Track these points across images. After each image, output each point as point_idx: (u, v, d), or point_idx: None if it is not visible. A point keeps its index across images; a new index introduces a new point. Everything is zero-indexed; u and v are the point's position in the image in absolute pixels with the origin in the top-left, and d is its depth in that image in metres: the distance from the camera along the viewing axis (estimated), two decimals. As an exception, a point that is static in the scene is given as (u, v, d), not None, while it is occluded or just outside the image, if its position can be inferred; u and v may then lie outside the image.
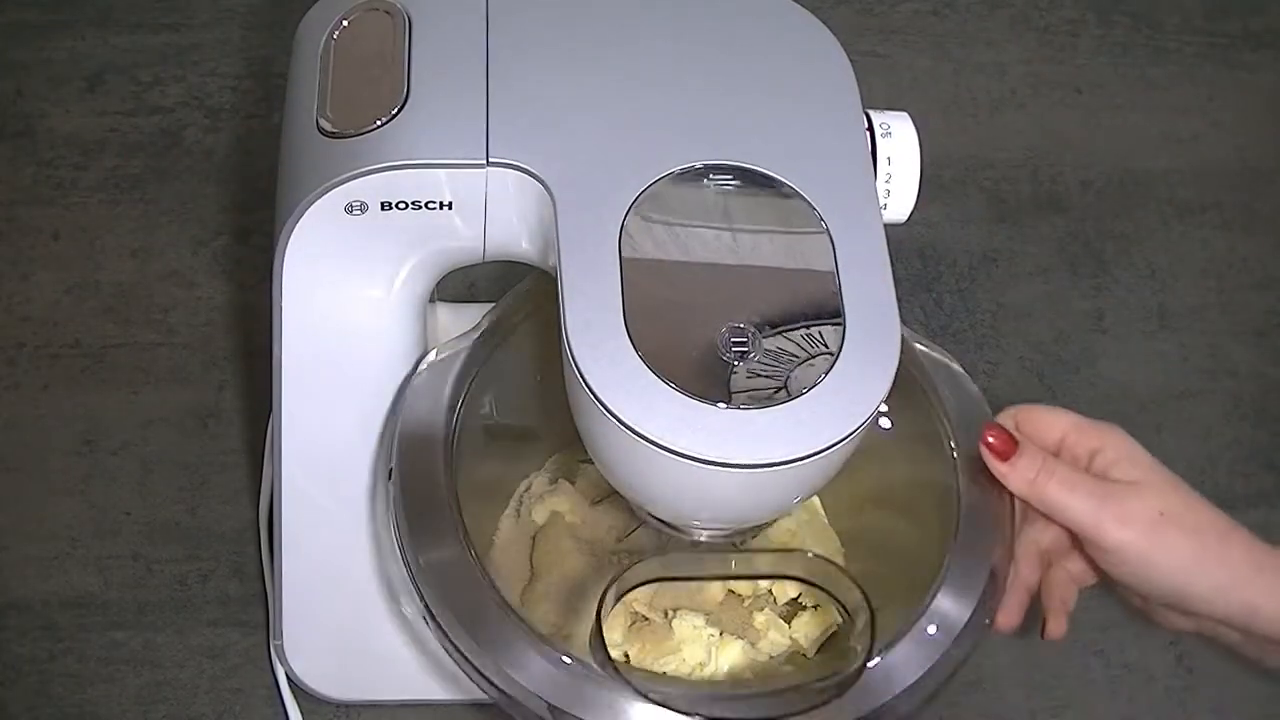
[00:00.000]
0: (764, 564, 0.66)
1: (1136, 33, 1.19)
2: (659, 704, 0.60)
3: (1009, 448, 0.65)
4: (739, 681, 0.70)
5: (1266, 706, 0.88)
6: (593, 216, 0.59)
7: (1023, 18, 1.19)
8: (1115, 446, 0.66)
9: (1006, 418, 0.68)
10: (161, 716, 0.83)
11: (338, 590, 0.77)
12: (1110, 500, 0.63)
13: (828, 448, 0.55)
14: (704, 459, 0.55)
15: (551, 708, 0.61)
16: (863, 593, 0.61)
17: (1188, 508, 0.64)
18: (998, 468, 0.65)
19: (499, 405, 0.74)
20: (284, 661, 0.81)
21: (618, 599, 0.62)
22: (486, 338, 0.71)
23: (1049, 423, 0.67)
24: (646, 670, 0.69)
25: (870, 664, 0.61)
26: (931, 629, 0.64)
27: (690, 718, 0.60)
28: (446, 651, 0.64)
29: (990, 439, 0.65)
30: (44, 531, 0.89)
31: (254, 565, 0.88)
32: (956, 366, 0.72)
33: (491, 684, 0.62)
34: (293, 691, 0.83)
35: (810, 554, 0.64)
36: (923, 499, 0.71)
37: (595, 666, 0.60)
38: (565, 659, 0.62)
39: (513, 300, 0.72)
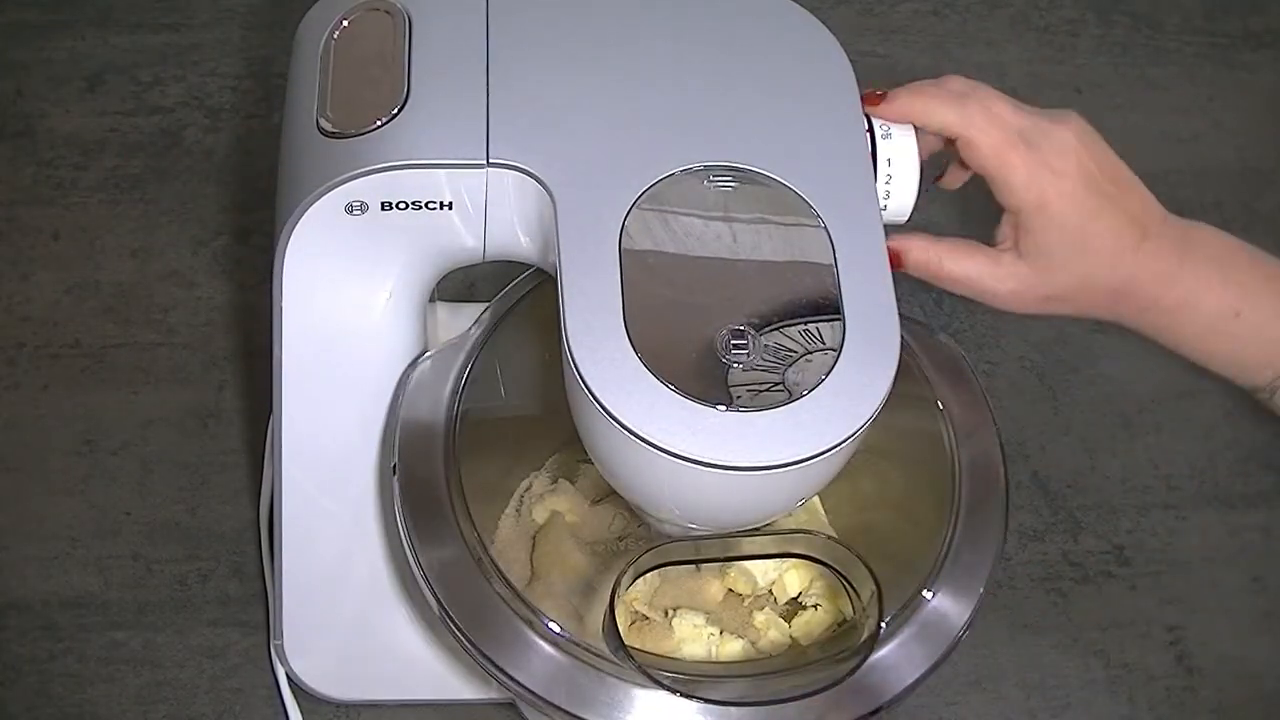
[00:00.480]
0: (773, 545, 0.66)
1: (1136, 33, 1.19)
2: (676, 691, 0.60)
3: (893, 257, 0.66)
4: (753, 661, 0.70)
5: (1266, 706, 0.88)
6: (593, 217, 0.59)
7: (1023, 18, 1.19)
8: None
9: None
10: (161, 716, 0.83)
11: (338, 590, 0.77)
12: (999, 266, 0.67)
13: (828, 450, 0.55)
14: (704, 462, 0.55)
15: (565, 697, 0.62)
16: (869, 569, 0.61)
17: (1078, 277, 0.66)
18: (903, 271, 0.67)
19: (498, 405, 0.74)
20: (284, 661, 0.81)
21: (633, 582, 0.62)
22: (485, 336, 0.71)
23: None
24: (660, 656, 0.69)
25: (878, 650, 0.61)
26: (928, 626, 0.64)
27: (713, 705, 0.60)
28: (461, 646, 0.64)
29: None
30: (44, 531, 0.89)
31: (254, 565, 0.88)
32: (956, 353, 0.72)
33: (505, 675, 0.62)
34: (293, 691, 0.83)
35: (818, 535, 0.65)
36: (921, 498, 0.71)
37: (608, 653, 0.61)
38: (577, 646, 0.62)
39: (511, 299, 0.72)
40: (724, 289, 0.58)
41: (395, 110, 0.62)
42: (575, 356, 0.56)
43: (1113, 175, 0.66)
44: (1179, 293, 0.67)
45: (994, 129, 0.65)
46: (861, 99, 0.66)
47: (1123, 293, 0.67)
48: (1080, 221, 0.65)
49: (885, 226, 0.62)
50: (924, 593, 0.65)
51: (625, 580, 0.61)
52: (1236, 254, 0.69)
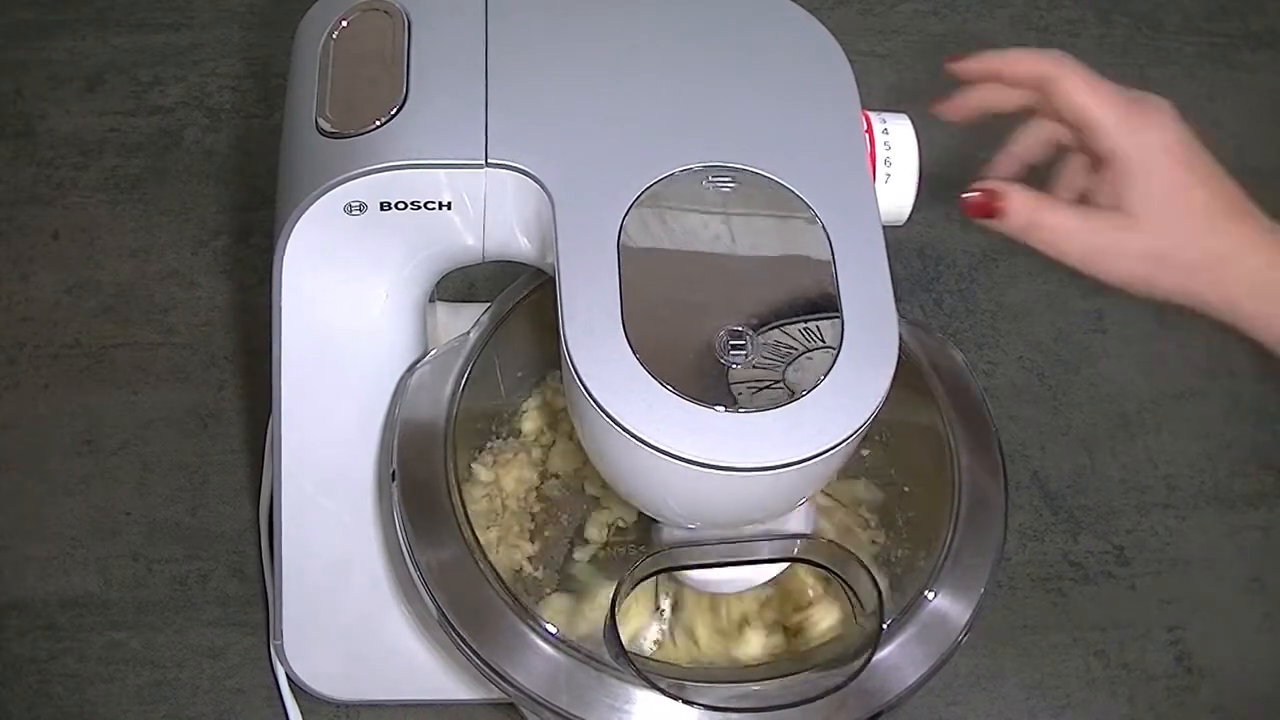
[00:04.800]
0: (773, 550, 0.66)
1: (1136, 33, 1.19)
2: (677, 697, 0.60)
3: (990, 200, 0.65)
4: (753, 668, 0.70)
5: (1266, 706, 0.88)
6: (592, 218, 0.59)
7: (1023, 18, 1.19)
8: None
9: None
10: (161, 716, 0.83)
11: (338, 590, 0.77)
12: (1103, 235, 0.65)
13: (827, 450, 0.55)
14: (704, 463, 0.55)
15: (563, 701, 0.62)
16: (871, 576, 0.61)
17: (1184, 234, 0.64)
18: (993, 225, 0.65)
19: (497, 404, 0.74)
20: (284, 661, 0.81)
21: (633, 589, 0.62)
22: (485, 337, 0.71)
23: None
24: (660, 661, 0.69)
25: (879, 652, 0.61)
26: (929, 627, 0.64)
27: (710, 711, 0.60)
28: (460, 650, 0.64)
29: (969, 202, 0.65)
30: (44, 531, 0.89)
31: (254, 565, 0.88)
32: (955, 352, 0.72)
33: (505, 678, 0.62)
34: (293, 691, 0.83)
35: (819, 539, 0.64)
36: (921, 498, 0.71)
37: (608, 659, 0.61)
38: (576, 652, 0.62)
39: (510, 299, 0.72)
40: (722, 290, 0.58)
41: (394, 110, 0.62)
42: (574, 357, 0.56)
43: (1209, 157, 0.65)
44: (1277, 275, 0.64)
45: (1085, 71, 0.64)
46: (945, 60, 0.65)
47: (1215, 267, 0.64)
48: (1183, 178, 0.63)
49: (884, 227, 0.62)
50: (925, 593, 0.65)
51: (625, 587, 0.61)
52: None
